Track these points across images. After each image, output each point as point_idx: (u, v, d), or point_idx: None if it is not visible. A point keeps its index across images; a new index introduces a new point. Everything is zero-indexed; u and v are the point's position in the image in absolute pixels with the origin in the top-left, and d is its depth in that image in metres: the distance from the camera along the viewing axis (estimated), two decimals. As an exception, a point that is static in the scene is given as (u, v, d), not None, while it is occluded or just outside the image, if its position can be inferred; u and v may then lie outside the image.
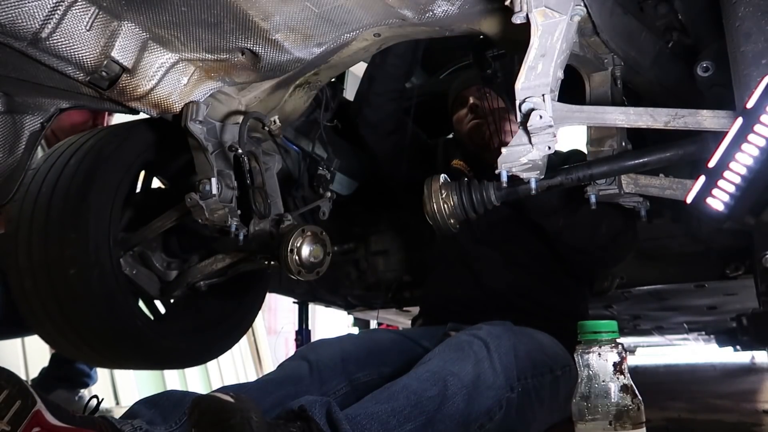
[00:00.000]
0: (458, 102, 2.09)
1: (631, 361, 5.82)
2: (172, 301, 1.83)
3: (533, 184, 1.28)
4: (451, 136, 2.47)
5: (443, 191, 1.43)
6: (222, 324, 1.80)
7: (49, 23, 1.14)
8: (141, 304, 1.75)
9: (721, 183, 1.03)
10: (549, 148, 1.15)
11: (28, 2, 1.09)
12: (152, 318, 1.73)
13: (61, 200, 1.39)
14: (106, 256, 1.40)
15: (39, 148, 2.23)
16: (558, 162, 1.71)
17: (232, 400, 0.96)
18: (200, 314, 1.80)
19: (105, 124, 2.53)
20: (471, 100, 2.02)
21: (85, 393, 2.53)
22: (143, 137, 1.58)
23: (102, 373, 3.12)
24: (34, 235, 1.39)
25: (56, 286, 1.37)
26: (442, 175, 1.47)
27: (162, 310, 1.81)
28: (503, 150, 1.20)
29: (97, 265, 1.38)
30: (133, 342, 1.47)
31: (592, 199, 1.37)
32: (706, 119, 1.13)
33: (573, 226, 1.70)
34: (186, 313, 1.80)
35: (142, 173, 1.72)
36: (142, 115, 1.46)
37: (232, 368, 5.30)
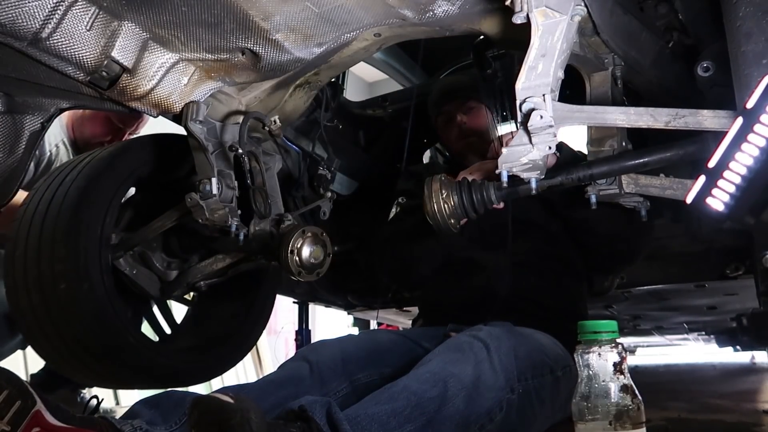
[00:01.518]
0: (443, 118, 2.08)
1: (631, 361, 5.81)
2: (176, 322, 1.82)
3: (533, 184, 1.29)
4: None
5: (443, 191, 1.43)
6: (225, 342, 1.78)
7: (50, 23, 1.14)
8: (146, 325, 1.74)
9: (721, 183, 1.03)
10: (549, 148, 1.16)
11: (28, 2, 1.10)
12: (155, 337, 1.72)
13: (54, 217, 1.40)
14: (96, 272, 1.40)
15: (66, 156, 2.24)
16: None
17: (231, 400, 0.95)
18: (202, 332, 1.78)
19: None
20: (458, 118, 2.01)
21: (86, 393, 2.53)
22: (138, 154, 1.58)
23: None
24: (29, 251, 1.40)
25: (48, 302, 1.37)
26: (443, 174, 1.47)
27: (168, 330, 1.79)
28: (503, 150, 1.20)
29: (86, 280, 1.37)
30: (124, 359, 1.44)
31: (593, 199, 1.37)
32: (707, 119, 1.13)
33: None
34: (188, 332, 1.79)
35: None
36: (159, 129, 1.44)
37: (232, 368, 5.29)
